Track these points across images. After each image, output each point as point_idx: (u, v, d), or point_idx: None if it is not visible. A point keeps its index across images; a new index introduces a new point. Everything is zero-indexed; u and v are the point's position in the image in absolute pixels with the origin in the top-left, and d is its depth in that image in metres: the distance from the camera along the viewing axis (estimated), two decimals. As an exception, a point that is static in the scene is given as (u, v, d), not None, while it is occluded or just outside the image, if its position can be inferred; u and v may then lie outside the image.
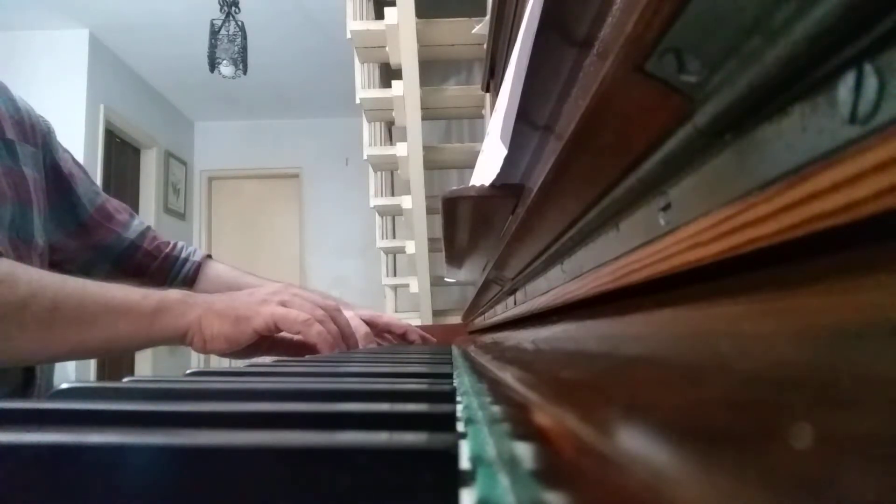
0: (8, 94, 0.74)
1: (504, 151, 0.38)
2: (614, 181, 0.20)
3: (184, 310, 0.61)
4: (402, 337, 0.99)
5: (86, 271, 0.80)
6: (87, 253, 0.82)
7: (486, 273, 0.61)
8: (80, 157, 3.82)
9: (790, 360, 0.09)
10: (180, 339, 0.62)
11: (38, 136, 0.76)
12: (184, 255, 0.90)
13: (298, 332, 0.63)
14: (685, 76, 0.14)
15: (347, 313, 0.73)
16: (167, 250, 0.89)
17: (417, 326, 1.08)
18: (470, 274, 0.85)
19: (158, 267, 0.87)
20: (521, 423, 0.19)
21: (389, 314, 0.99)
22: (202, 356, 4.51)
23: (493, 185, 0.40)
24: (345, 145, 4.50)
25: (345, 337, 0.68)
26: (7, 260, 0.55)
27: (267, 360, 0.66)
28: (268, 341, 0.69)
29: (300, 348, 0.72)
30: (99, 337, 0.57)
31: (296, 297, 0.66)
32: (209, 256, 0.93)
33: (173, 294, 0.63)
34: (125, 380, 0.30)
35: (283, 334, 0.72)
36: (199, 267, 0.89)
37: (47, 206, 0.75)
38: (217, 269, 0.92)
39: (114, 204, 0.86)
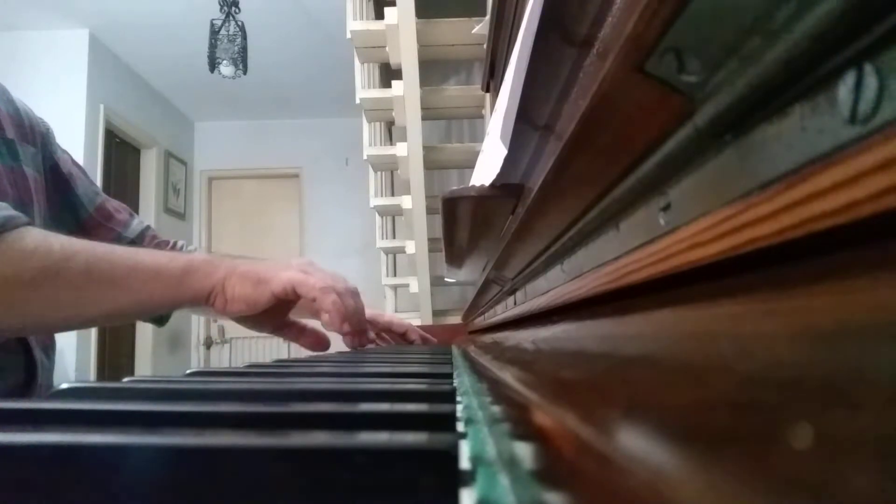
0: (7, 95, 0.74)
1: (504, 151, 0.38)
2: (614, 181, 0.20)
3: (210, 270, 0.63)
4: (403, 336, 0.99)
5: None
6: None
7: (486, 273, 0.61)
8: (79, 157, 3.78)
9: (790, 360, 0.09)
10: (205, 298, 0.63)
11: (37, 136, 0.76)
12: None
13: (314, 299, 0.64)
14: (685, 76, 0.14)
15: None
16: (166, 249, 0.89)
17: (417, 327, 1.08)
18: (470, 274, 0.85)
19: None
20: (520, 423, 0.19)
21: (391, 313, 0.99)
22: (202, 356, 4.51)
23: (493, 185, 0.40)
24: (345, 145, 4.50)
25: (351, 315, 0.68)
26: (36, 228, 0.56)
27: (267, 360, 0.66)
28: (282, 315, 0.70)
29: (309, 336, 0.73)
30: (130, 299, 0.58)
31: (318, 270, 0.67)
32: None
33: (199, 256, 0.65)
34: (125, 380, 0.30)
35: (297, 319, 0.73)
36: None
37: (47, 206, 0.75)
38: None
39: (113, 204, 0.86)
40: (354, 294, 0.69)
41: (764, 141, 0.12)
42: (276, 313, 0.68)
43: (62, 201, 0.79)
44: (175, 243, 0.92)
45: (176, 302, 0.62)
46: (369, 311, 0.88)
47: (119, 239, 0.84)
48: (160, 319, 0.86)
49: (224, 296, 0.63)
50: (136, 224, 0.88)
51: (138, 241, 0.86)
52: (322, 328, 0.71)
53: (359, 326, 0.69)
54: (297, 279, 0.64)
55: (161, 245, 0.89)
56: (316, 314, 0.70)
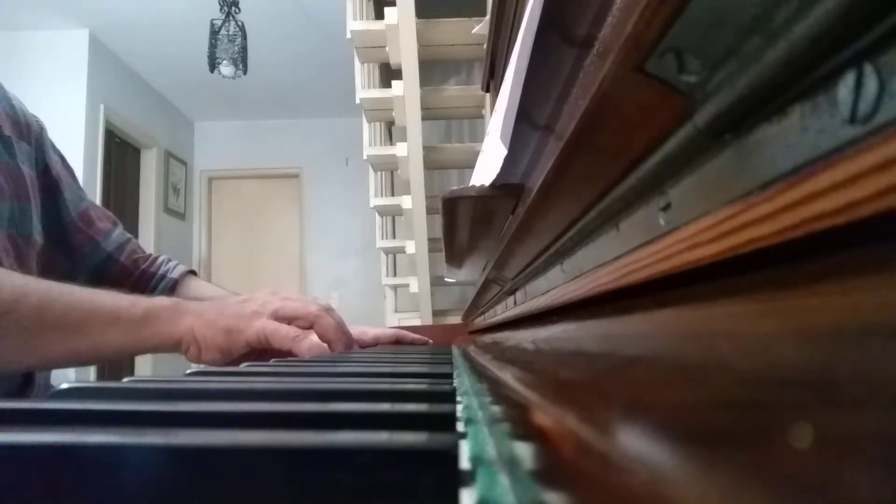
0: (3, 93, 0.74)
1: (504, 151, 0.38)
2: (614, 181, 0.20)
3: (174, 318, 0.61)
4: (397, 343, 0.97)
5: (66, 281, 0.79)
6: (65, 260, 0.80)
7: (486, 273, 0.61)
8: (79, 157, 3.78)
9: (790, 360, 0.09)
10: (173, 346, 0.61)
11: (32, 135, 0.75)
12: (161, 271, 0.86)
13: (289, 350, 0.63)
14: (685, 76, 0.14)
15: None
16: (144, 266, 0.86)
17: (416, 327, 1.08)
18: (470, 274, 0.85)
19: (135, 282, 0.84)
20: (520, 423, 0.19)
21: (376, 328, 0.96)
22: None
23: (493, 185, 0.40)
24: (345, 145, 4.50)
25: (334, 339, 0.68)
26: None
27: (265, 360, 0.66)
28: (259, 353, 0.68)
29: (291, 354, 0.72)
30: (86, 344, 0.56)
31: (287, 304, 0.65)
32: (193, 272, 0.90)
33: (162, 301, 0.62)
34: (125, 380, 0.30)
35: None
36: (175, 284, 0.86)
37: (40, 206, 0.75)
38: (197, 288, 0.88)
39: (97, 211, 0.84)
40: (329, 311, 0.67)
41: (764, 141, 0.12)
42: (252, 352, 0.66)
43: (48, 203, 0.77)
44: (155, 259, 0.88)
45: (136, 349, 0.59)
46: (353, 330, 0.87)
47: (97, 249, 0.82)
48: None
49: (198, 344, 0.61)
50: (118, 235, 0.85)
51: (116, 253, 0.84)
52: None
53: (345, 344, 0.68)
54: (269, 329, 0.62)
55: (140, 261, 0.86)
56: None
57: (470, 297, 1.06)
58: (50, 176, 0.78)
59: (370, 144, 2.56)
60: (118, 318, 0.58)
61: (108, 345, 0.57)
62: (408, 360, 0.56)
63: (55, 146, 0.81)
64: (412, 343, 0.99)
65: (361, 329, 0.89)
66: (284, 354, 0.71)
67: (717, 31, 0.12)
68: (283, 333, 0.62)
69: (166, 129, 4.61)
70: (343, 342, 0.68)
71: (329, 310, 0.68)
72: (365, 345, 0.90)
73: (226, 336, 0.61)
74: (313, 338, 0.65)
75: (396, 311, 2.72)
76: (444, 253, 0.72)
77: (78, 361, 0.59)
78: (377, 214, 2.75)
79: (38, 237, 0.71)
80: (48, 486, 0.15)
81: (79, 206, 0.81)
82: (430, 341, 1.04)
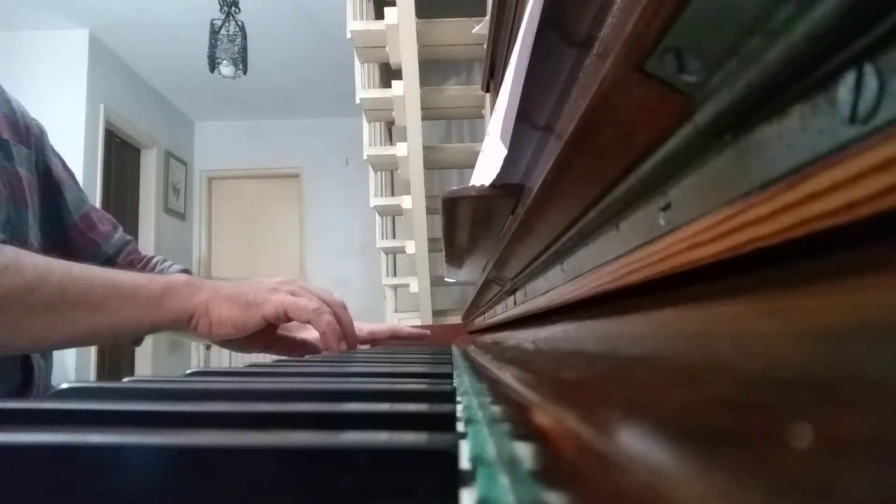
0: (3, 95, 0.73)
1: (504, 151, 0.38)
2: (614, 181, 0.20)
3: (190, 292, 0.61)
4: (393, 337, 0.97)
5: None
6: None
7: (486, 273, 0.61)
8: (79, 157, 3.77)
9: (790, 360, 0.09)
10: (186, 322, 0.61)
11: (31, 138, 0.75)
12: (156, 271, 0.86)
13: (308, 321, 0.63)
14: (685, 76, 0.14)
15: None
16: (139, 266, 0.86)
17: (415, 327, 1.07)
18: (470, 274, 0.85)
19: None
20: (520, 423, 0.19)
21: (371, 324, 0.96)
22: (202, 356, 4.51)
23: (493, 185, 0.40)
24: (345, 145, 4.50)
25: (347, 334, 0.68)
26: (11, 246, 0.55)
27: (267, 359, 0.66)
28: (270, 335, 0.69)
29: (300, 348, 0.72)
30: (106, 321, 0.57)
31: (304, 290, 0.67)
32: (187, 271, 0.90)
33: (178, 277, 0.63)
34: (125, 380, 0.30)
35: (286, 333, 0.72)
36: None
37: (39, 209, 0.75)
38: None
39: (98, 214, 0.84)
40: (342, 308, 0.69)
41: (764, 141, 0.12)
42: (262, 335, 0.67)
43: (50, 206, 0.78)
44: (150, 261, 0.88)
45: (154, 324, 0.60)
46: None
47: (97, 252, 0.82)
48: (135, 339, 0.84)
49: (209, 318, 0.61)
50: (118, 238, 0.86)
51: (115, 256, 0.84)
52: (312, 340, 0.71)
53: (353, 343, 0.69)
54: (288, 302, 0.63)
55: (135, 262, 0.86)
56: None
57: (470, 297, 1.06)
58: (51, 178, 0.78)
59: (370, 144, 2.56)
60: (137, 294, 0.59)
61: (127, 321, 0.58)
62: (408, 360, 0.56)
63: (55, 150, 0.82)
64: (408, 336, 0.99)
65: (357, 325, 0.90)
66: (289, 347, 0.72)
67: (717, 31, 0.12)
68: (304, 305, 0.63)
69: (166, 129, 4.61)
70: (348, 342, 0.68)
71: (340, 309, 0.69)
72: (361, 340, 0.91)
73: (243, 310, 0.62)
74: (329, 305, 0.66)
75: (396, 311, 2.72)
76: (444, 253, 0.72)
77: (97, 339, 0.60)
78: (377, 214, 2.75)
79: (34, 241, 0.71)
80: (48, 487, 0.15)
81: (80, 209, 0.81)
82: (429, 333, 1.04)
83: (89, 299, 0.56)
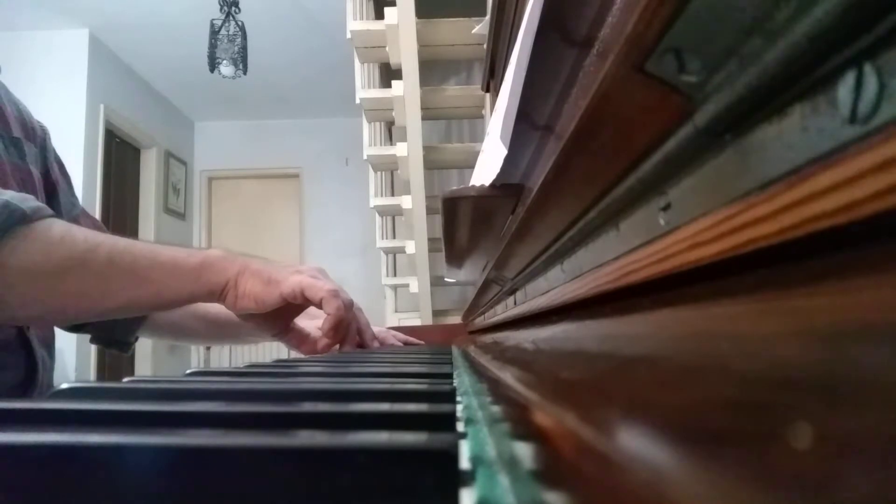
0: (10, 96, 0.75)
1: (504, 151, 0.38)
2: (614, 181, 0.20)
3: (224, 266, 0.64)
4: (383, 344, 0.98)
5: None
6: None
7: (486, 273, 0.61)
8: (79, 157, 3.76)
9: (790, 360, 0.09)
10: (219, 294, 0.64)
11: (37, 137, 0.77)
12: None
13: (320, 301, 0.65)
14: (685, 76, 0.14)
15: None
16: None
17: (415, 327, 1.07)
18: (470, 274, 0.85)
19: None
20: (520, 423, 0.19)
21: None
22: (202, 356, 4.51)
23: (493, 185, 0.40)
24: (345, 145, 4.49)
25: (361, 330, 0.72)
26: (60, 220, 0.57)
27: (267, 360, 0.66)
28: (287, 319, 0.71)
29: (311, 345, 0.73)
30: (150, 291, 0.60)
31: (327, 277, 0.70)
32: None
33: (215, 251, 0.66)
34: (125, 380, 0.30)
35: (301, 326, 0.73)
36: None
37: None
38: None
39: (87, 220, 0.86)
40: (357, 309, 0.72)
41: (764, 141, 0.12)
42: (281, 317, 0.69)
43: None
44: None
45: (192, 296, 0.63)
46: None
47: None
48: (126, 346, 0.85)
49: (235, 291, 0.64)
50: None
51: None
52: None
53: (348, 336, 0.71)
54: (306, 282, 0.65)
55: None
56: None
57: (470, 297, 1.06)
58: (49, 180, 0.80)
59: (370, 144, 2.56)
60: (177, 267, 0.62)
61: (168, 291, 0.61)
62: (407, 360, 0.56)
63: (56, 152, 0.83)
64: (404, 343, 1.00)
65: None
66: (299, 340, 0.73)
67: (717, 31, 0.12)
68: (319, 286, 0.66)
69: (166, 129, 4.61)
70: (330, 332, 0.69)
71: (357, 309, 0.72)
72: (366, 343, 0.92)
73: (265, 286, 0.64)
74: (345, 297, 0.68)
75: (396, 311, 2.72)
76: (444, 253, 0.72)
77: (138, 308, 0.65)
78: (377, 214, 2.75)
79: None
80: (48, 487, 0.15)
81: (70, 213, 0.83)
82: (420, 342, 1.05)
83: (134, 270, 0.59)
